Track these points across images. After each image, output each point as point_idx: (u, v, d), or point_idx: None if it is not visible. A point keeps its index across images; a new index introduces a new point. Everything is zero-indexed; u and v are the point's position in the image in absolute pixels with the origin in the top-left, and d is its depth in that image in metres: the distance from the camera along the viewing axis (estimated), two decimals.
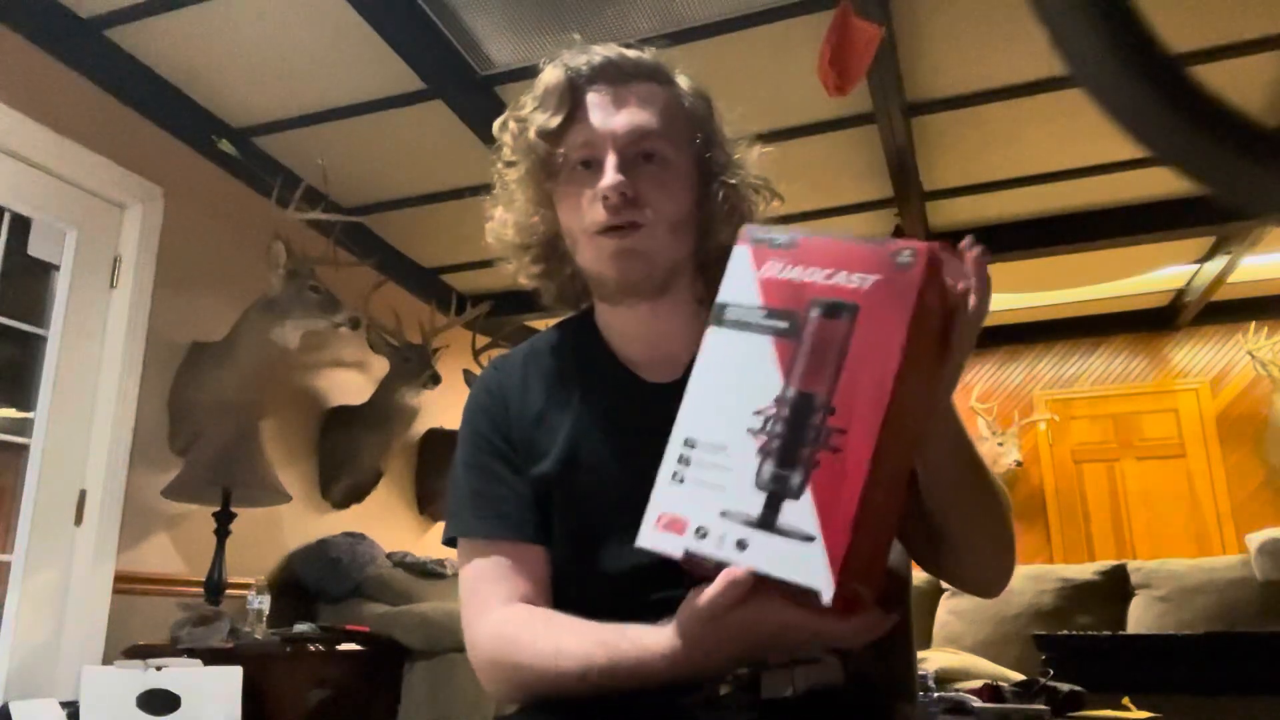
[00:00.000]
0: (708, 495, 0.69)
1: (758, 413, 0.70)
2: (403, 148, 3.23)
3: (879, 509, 0.68)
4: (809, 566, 0.65)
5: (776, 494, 0.68)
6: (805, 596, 0.65)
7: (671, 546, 0.69)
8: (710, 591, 0.69)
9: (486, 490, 0.96)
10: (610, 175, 0.90)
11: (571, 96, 0.94)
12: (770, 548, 0.66)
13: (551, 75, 0.95)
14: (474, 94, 2.83)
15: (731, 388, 0.72)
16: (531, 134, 0.94)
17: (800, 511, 0.66)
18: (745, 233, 0.76)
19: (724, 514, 0.68)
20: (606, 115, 0.93)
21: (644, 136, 0.93)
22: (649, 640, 0.77)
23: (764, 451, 0.69)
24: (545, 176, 0.96)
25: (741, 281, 0.74)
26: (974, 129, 3.17)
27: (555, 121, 0.93)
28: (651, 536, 0.71)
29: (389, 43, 2.63)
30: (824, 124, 3.10)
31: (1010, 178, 3.52)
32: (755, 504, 0.68)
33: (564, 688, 0.82)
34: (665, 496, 0.71)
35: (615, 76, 0.95)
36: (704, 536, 0.69)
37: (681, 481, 0.71)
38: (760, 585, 0.67)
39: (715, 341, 0.74)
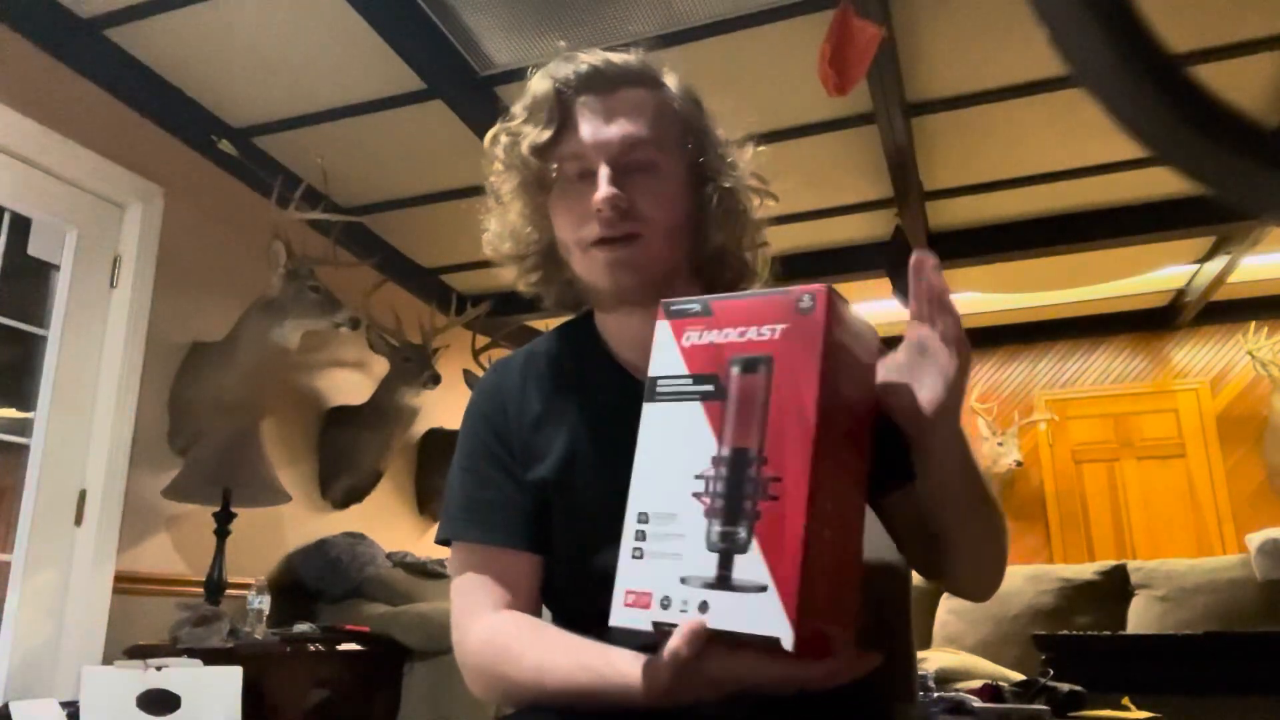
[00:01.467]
0: (666, 565, 0.71)
1: (699, 476, 0.71)
2: (403, 148, 3.23)
3: (831, 546, 0.69)
4: (765, 616, 0.66)
5: (727, 551, 0.69)
6: (771, 646, 0.66)
7: (640, 621, 0.71)
8: (671, 644, 0.69)
9: (480, 495, 0.96)
10: (604, 188, 0.90)
11: (560, 108, 0.93)
12: (729, 604, 0.68)
13: (539, 86, 0.94)
14: (474, 94, 2.83)
15: (672, 457, 0.73)
16: (523, 148, 0.93)
17: (750, 564, 0.68)
18: (662, 308, 0.78)
19: (683, 580, 0.70)
20: (597, 126, 0.93)
21: (636, 145, 0.92)
22: (630, 671, 0.77)
23: (710, 513, 0.70)
24: (538, 189, 0.96)
25: (667, 354, 0.76)
26: (974, 129, 3.17)
27: (546, 135, 0.92)
28: (621, 615, 0.72)
29: (389, 43, 2.63)
30: (824, 124, 3.10)
31: (1010, 178, 3.52)
32: (710, 565, 0.69)
33: (547, 701, 0.84)
34: (628, 574, 0.73)
35: (603, 84, 0.94)
36: (668, 606, 0.70)
37: (641, 557, 0.72)
38: (727, 643, 0.68)
39: (651, 416, 0.76)
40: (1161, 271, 4.51)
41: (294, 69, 2.81)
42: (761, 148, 1.01)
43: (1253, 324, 4.73)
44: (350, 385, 3.71)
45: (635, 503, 0.74)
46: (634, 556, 0.73)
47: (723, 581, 0.68)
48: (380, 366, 3.65)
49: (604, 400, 0.97)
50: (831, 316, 0.71)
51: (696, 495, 0.71)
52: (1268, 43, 2.65)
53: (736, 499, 0.70)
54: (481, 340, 4.22)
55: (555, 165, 0.93)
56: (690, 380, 0.75)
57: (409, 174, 3.39)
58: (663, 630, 0.70)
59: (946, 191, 3.62)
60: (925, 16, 2.58)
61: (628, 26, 2.57)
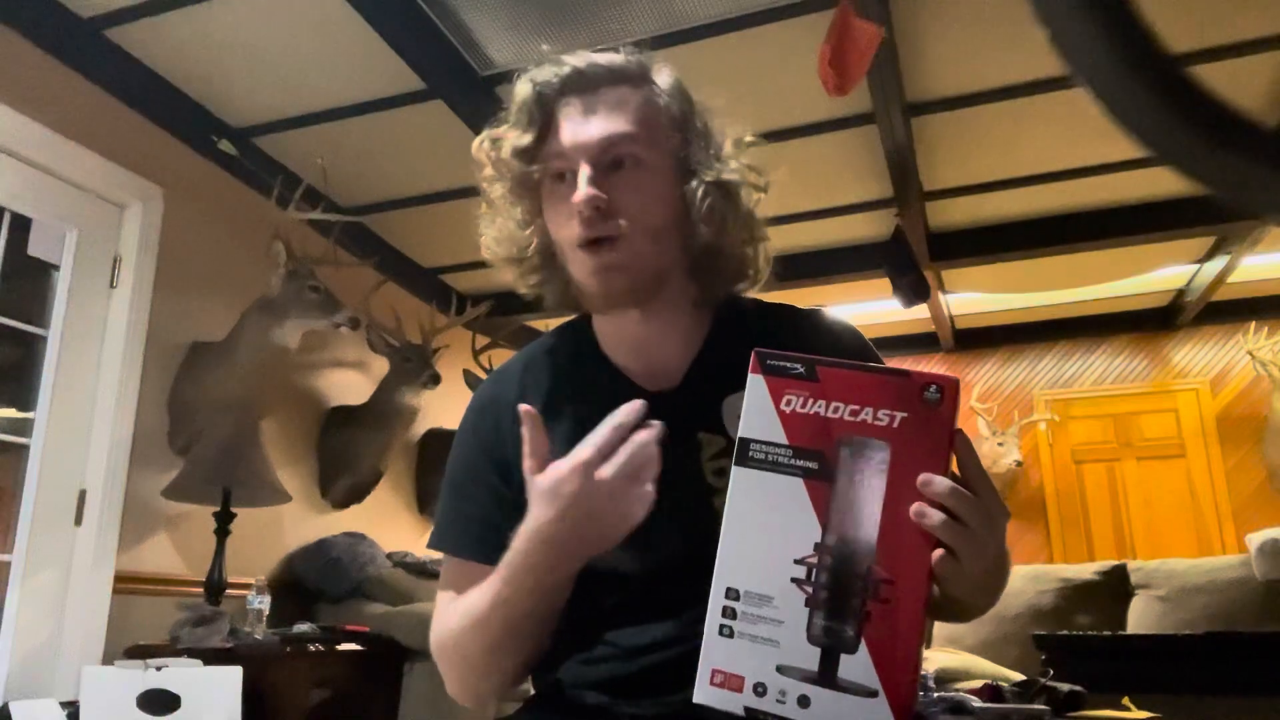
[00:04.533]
0: (760, 650, 0.69)
1: (799, 561, 0.69)
2: (403, 148, 3.23)
3: (921, 643, 0.69)
4: None
5: (832, 648, 0.68)
6: None
7: (730, 704, 0.69)
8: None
9: (464, 509, 0.97)
10: (582, 188, 0.89)
11: (542, 112, 0.93)
12: (834, 704, 0.67)
13: (521, 90, 0.94)
14: (474, 94, 2.83)
15: (768, 533, 0.70)
16: (505, 152, 0.93)
17: (858, 666, 0.67)
18: (756, 359, 0.73)
19: (780, 669, 0.68)
20: (577, 126, 0.92)
21: (616, 143, 0.91)
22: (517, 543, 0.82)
23: (813, 604, 0.68)
24: (525, 192, 0.96)
25: (762, 416, 0.72)
26: (974, 129, 3.17)
27: (527, 139, 0.92)
28: (707, 693, 0.70)
29: (389, 43, 2.63)
30: (824, 124, 3.10)
31: (1010, 178, 3.52)
32: (811, 659, 0.68)
33: (473, 650, 0.88)
34: (715, 651, 0.70)
35: (584, 85, 0.93)
36: (763, 693, 0.68)
37: (730, 635, 0.70)
38: None
39: (743, 482, 0.72)
40: (1161, 271, 4.51)
41: (294, 69, 2.81)
42: (756, 145, 0.99)
43: (1253, 324, 4.73)
44: (350, 385, 3.71)
45: (724, 576, 0.71)
46: (722, 634, 0.70)
47: (826, 679, 0.67)
48: (380, 366, 3.64)
49: (601, 406, 0.92)
50: (957, 411, 0.68)
51: (797, 582, 0.69)
52: (1268, 43, 2.65)
53: (843, 595, 0.68)
54: (481, 340, 4.22)
55: (538, 168, 0.93)
56: (790, 451, 0.71)
57: (409, 174, 3.39)
58: (756, 717, 0.69)
59: (946, 191, 3.62)
60: (925, 16, 2.58)
61: (628, 26, 2.57)
